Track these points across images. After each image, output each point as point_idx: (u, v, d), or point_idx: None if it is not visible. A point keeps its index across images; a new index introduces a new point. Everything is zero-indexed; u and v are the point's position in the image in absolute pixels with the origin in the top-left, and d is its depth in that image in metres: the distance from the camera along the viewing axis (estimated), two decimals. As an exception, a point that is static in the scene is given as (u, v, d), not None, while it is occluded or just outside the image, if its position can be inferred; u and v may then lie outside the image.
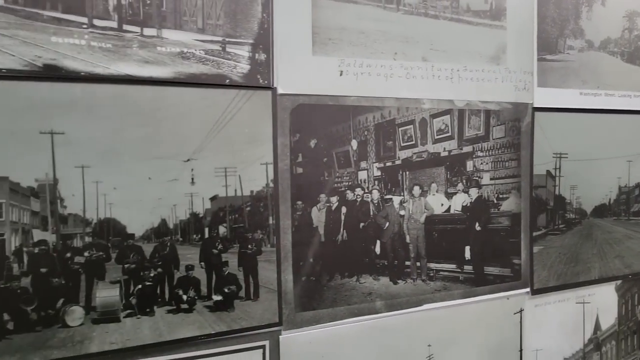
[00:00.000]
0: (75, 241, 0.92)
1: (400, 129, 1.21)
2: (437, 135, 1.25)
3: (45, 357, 0.86)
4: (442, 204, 1.26)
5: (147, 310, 0.95)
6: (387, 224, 1.19)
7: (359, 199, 1.16)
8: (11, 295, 0.86)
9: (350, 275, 1.14)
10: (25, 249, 0.87)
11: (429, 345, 1.26)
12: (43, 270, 0.88)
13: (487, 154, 1.33)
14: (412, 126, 1.23)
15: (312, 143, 1.12)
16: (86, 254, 0.91)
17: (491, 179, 1.35)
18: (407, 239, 1.21)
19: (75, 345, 0.89)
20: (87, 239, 0.91)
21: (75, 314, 0.91)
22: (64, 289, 0.89)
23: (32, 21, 0.86)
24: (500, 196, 1.34)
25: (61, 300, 0.89)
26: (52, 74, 0.86)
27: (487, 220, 1.31)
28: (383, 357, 1.17)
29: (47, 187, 0.89)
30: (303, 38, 1.06)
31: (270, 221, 1.05)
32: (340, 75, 1.11)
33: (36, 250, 0.88)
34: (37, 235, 0.89)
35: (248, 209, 1.06)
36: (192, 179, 1.00)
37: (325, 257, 1.11)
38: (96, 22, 0.90)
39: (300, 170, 1.10)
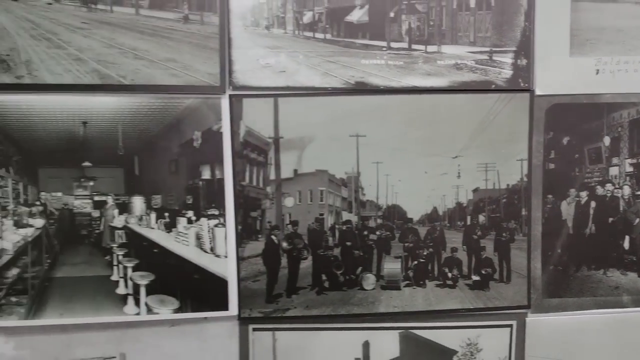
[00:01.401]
0: (370, 222, 1.13)
1: (655, 124, 1.19)
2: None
3: (348, 310, 1.10)
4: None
5: (421, 282, 1.12)
6: (638, 220, 1.15)
7: (608, 194, 1.15)
8: (327, 261, 1.12)
9: (597, 268, 1.16)
10: (336, 226, 1.12)
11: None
12: (348, 243, 1.12)
13: None
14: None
15: (565, 140, 1.14)
16: (378, 232, 1.12)
17: None
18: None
19: (369, 305, 1.11)
20: (379, 221, 1.12)
21: (369, 280, 1.13)
22: (362, 259, 1.12)
23: (349, 49, 1.08)
24: None
25: (360, 268, 1.12)
26: (360, 89, 1.07)
27: None
28: (625, 352, 1.16)
29: (353, 178, 1.12)
30: (561, 41, 1.09)
31: (523, 212, 1.12)
32: (597, 73, 1.11)
33: (344, 227, 1.12)
34: (345, 216, 1.13)
35: (504, 200, 1.15)
36: (459, 173, 1.13)
37: (572, 248, 1.13)
38: (392, 44, 1.08)
39: (552, 165, 1.14)
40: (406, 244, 1.10)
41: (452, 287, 1.11)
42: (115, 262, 1.09)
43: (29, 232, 1.08)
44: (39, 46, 1.04)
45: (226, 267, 1.08)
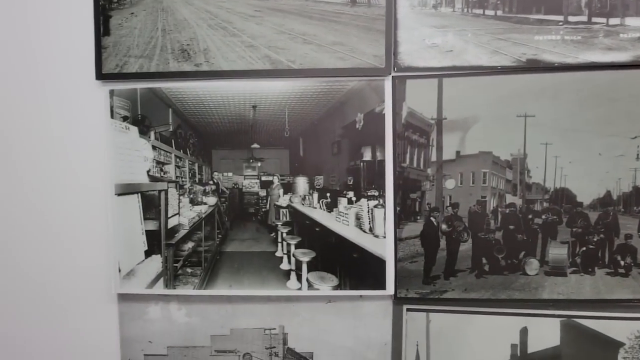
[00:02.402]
0: (536, 205, 1.08)
1: None
2: None
3: (509, 295, 1.06)
4: None
5: (589, 270, 1.05)
6: None
7: None
8: (488, 244, 1.09)
9: None
10: (499, 209, 1.08)
11: None
12: (511, 227, 1.07)
13: None
14: None
15: None
16: (543, 216, 1.07)
17: None
18: None
19: (531, 290, 1.06)
20: (545, 204, 1.06)
21: (533, 265, 1.08)
22: (525, 244, 1.07)
23: (521, 25, 1.03)
24: None
25: (522, 253, 1.07)
26: (532, 67, 1.02)
27: None
28: None
29: (519, 160, 1.07)
30: None
31: None
32: None
33: (507, 211, 1.07)
34: (509, 198, 1.08)
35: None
36: (638, 154, 1.04)
37: None
38: (570, 18, 1.02)
39: None
40: (574, 229, 1.03)
41: (624, 276, 1.02)
42: (279, 239, 1.15)
43: (202, 209, 1.17)
44: (216, 35, 1.10)
45: (384, 248, 1.08)
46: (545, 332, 1.07)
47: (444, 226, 1.08)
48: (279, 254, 1.12)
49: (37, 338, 1.26)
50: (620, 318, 1.05)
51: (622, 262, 1.03)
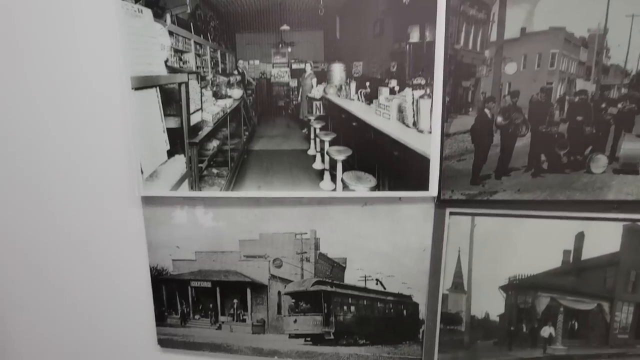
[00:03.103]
0: (612, 92, 0.92)
1: None
2: None
3: (569, 196, 0.93)
4: None
5: (666, 166, 0.97)
6: None
7: None
8: (550, 139, 0.94)
9: None
10: (567, 97, 0.92)
11: None
12: (579, 118, 0.92)
13: None
14: None
15: None
16: (620, 105, 0.91)
17: None
18: None
19: (595, 190, 0.92)
20: (623, 91, 0.89)
21: (600, 162, 0.93)
22: (594, 137, 0.91)
23: None
24: None
25: (589, 148, 0.92)
26: None
27: None
28: None
29: (597, 37, 0.90)
30: None
31: None
32: None
33: (576, 99, 0.90)
34: (580, 84, 0.91)
35: None
36: None
37: None
38: None
39: None
40: (655, 120, 0.94)
41: None
42: (312, 136, 1.02)
43: (227, 103, 1.04)
44: None
45: (429, 144, 0.94)
46: (605, 237, 0.95)
47: (499, 118, 0.93)
48: (311, 152, 1.00)
49: (63, 243, 1.22)
50: None
51: None
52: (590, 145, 0.91)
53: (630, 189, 0.92)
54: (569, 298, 1.04)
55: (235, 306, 1.21)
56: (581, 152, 0.92)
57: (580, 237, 0.99)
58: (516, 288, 1.04)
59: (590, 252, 0.97)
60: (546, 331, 1.05)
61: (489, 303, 1.06)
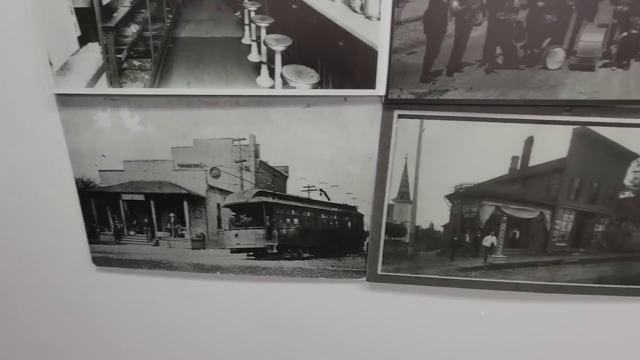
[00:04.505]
0: None
1: None
2: None
3: (521, 95, 0.84)
4: None
5: (624, 62, 0.81)
6: None
7: None
8: (507, 28, 0.81)
9: None
10: None
11: None
12: (540, 4, 0.78)
13: None
14: None
15: None
16: None
17: None
18: None
19: (549, 88, 0.84)
20: None
21: (557, 57, 0.82)
22: (553, 27, 0.79)
23: None
24: None
25: (547, 40, 0.80)
26: None
27: None
28: None
29: None
30: None
31: None
32: None
33: (539, -20, 0.86)
34: None
35: None
36: None
37: None
38: None
39: None
40: (619, 7, 0.77)
41: (663, 71, 0.90)
42: (246, 21, 0.89)
43: (145, -23, 0.93)
44: None
45: (378, 33, 0.82)
46: (554, 142, 0.88)
47: (455, 3, 0.81)
48: (246, 40, 0.84)
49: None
50: (635, 124, 0.96)
51: (665, 53, 0.89)
52: (549, 37, 0.80)
53: (583, 87, 0.84)
54: (512, 207, 0.99)
55: (172, 220, 1.11)
56: (539, 44, 0.82)
57: (529, 142, 0.92)
58: (462, 197, 0.97)
59: (538, 158, 0.91)
60: (488, 240, 1.01)
61: (434, 213, 1.00)
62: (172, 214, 1.09)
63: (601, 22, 0.80)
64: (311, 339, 1.22)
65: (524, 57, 0.83)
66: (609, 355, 1.15)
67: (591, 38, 0.82)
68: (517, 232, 1.01)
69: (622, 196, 0.94)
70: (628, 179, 0.92)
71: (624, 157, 0.91)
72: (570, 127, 0.89)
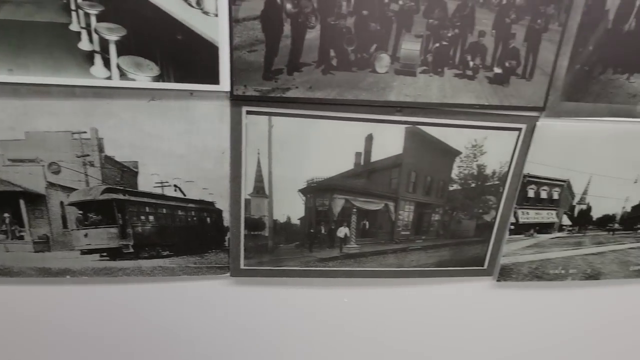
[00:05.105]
0: None
1: None
2: None
3: (356, 95, 0.90)
4: None
5: (439, 70, 0.92)
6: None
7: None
8: (338, 33, 0.85)
9: (622, 71, 0.98)
10: None
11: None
12: (365, 12, 0.84)
13: None
14: None
15: None
16: (400, 1, 0.86)
17: None
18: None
19: (379, 90, 0.91)
20: None
21: (383, 62, 0.90)
22: (378, 35, 0.86)
23: None
24: None
25: (374, 46, 0.87)
26: None
27: None
28: (621, 161, 1.05)
29: None
30: None
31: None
32: None
33: (362, -9, 0.90)
34: None
35: (548, -22, 0.96)
36: None
37: (605, 46, 0.93)
38: None
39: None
40: (430, 21, 0.89)
41: (471, 79, 0.92)
42: (73, 6, 0.80)
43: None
44: None
45: (217, 29, 0.82)
46: (390, 140, 0.97)
47: (288, 5, 0.84)
48: (74, 27, 0.78)
49: None
50: (461, 126, 0.97)
51: (471, 63, 0.91)
52: (375, 43, 0.89)
53: (408, 91, 0.93)
54: (360, 199, 1.07)
55: (7, 221, 1.01)
56: (367, 49, 0.89)
57: (369, 140, 0.99)
58: (314, 191, 1.02)
59: (378, 154, 0.99)
60: (342, 232, 1.07)
61: (290, 207, 1.03)
62: (6, 214, 0.98)
63: (417, 33, 0.90)
64: (176, 339, 1.17)
65: (355, 61, 0.90)
66: (452, 330, 1.28)
67: (410, 47, 0.92)
68: (367, 223, 1.09)
69: (451, 188, 1.07)
70: (454, 173, 1.05)
71: (449, 153, 1.04)
72: (403, 127, 0.98)
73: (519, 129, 1.02)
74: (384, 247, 1.12)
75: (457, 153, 1.03)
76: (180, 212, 1.03)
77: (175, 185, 1.00)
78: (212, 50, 0.85)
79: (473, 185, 1.05)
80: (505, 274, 1.16)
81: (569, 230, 1.16)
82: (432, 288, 1.20)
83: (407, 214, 1.10)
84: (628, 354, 1.45)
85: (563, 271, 1.19)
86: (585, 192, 1.14)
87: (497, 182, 1.06)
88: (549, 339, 1.37)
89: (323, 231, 1.08)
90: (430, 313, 1.25)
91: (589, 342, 1.38)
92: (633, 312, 1.36)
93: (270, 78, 0.89)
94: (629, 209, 1.14)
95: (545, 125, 1.01)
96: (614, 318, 1.36)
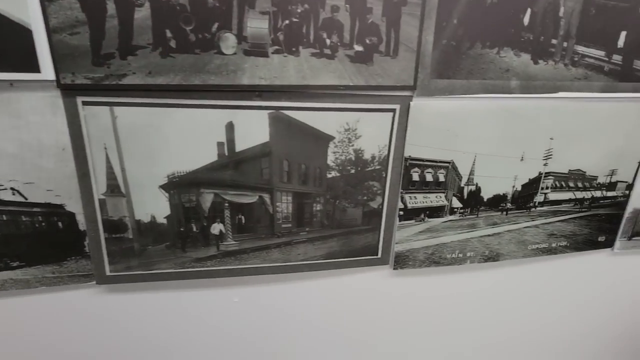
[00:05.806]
0: None
1: None
2: None
3: (204, 80, 0.83)
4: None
5: (293, 49, 0.86)
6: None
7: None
8: (172, 12, 0.78)
9: (492, 46, 0.97)
10: None
11: (551, 139, 1.15)
12: None
13: None
14: None
15: None
16: None
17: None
18: (561, 12, 0.96)
19: (229, 74, 0.84)
20: None
21: (229, 42, 0.83)
22: (219, 12, 0.80)
23: None
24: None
25: (216, 25, 0.80)
26: None
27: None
28: (504, 139, 1.05)
29: None
30: None
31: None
32: None
33: (191, -37, 0.83)
34: None
35: (399, -52, 0.92)
36: None
37: (470, 19, 0.91)
38: None
39: None
40: (275, -5, 0.87)
41: (330, 58, 0.86)
42: None
43: None
44: None
45: (27, 9, 0.73)
46: (254, 127, 0.91)
47: (107, -20, 0.84)
48: None
49: None
50: (329, 109, 0.92)
51: (327, 41, 0.86)
52: (217, 22, 0.81)
53: (262, 73, 0.86)
54: (231, 192, 1.00)
55: None
56: (208, 29, 0.82)
57: (230, 128, 0.92)
58: (178, 186, 0.95)
59: (243, 143, 0.92)
60: (216, 228, 1.01)
61: (152, 205, 0.94)
62: None
63: (262, 9, 0.84)
64: (44, 355, 1.06)
65: (197, 42, 0.83)
66: (353, 323, 1.23)
67: (257, 25, 0.85)
68: (243, 218, 1.03)
69: (329, 176, 1.02)
70: (330, 159, 1.00)
71: (321, 139, 0.99)
72: (265, 112, 0.92)
73: (393, 110, 0.99)
74: (266, 242, 1.06)
75: (330, 138, 0.98)
76: (24, 218, 0.94)
77: (12, 188, 0.91)
78: (25, 33, 0.76)
79: (353, 171, 1.02)
80: (401, 261, 1.13)
81: (460, 213, 1.15)
82: (328, 281, 1.15)
83: (285, 205, 1.05)
84: (534, 334, 1.44)
85: (460, 255, 1.18)
86: (472, 173, 1.13)
87: (378, 167, 1.03)
88: (453, 324, 1.34)
89: (195, 229, 1.01)
90: (329, 306, 1.20)
91: (495, 321, 1.37)
92: (535, 291, 1.36)
93: (101, 64, 0.81)
94: (519, 188, 1.14)
95: (420, 105, 0.98)
96: (518, 298, 1.35)
